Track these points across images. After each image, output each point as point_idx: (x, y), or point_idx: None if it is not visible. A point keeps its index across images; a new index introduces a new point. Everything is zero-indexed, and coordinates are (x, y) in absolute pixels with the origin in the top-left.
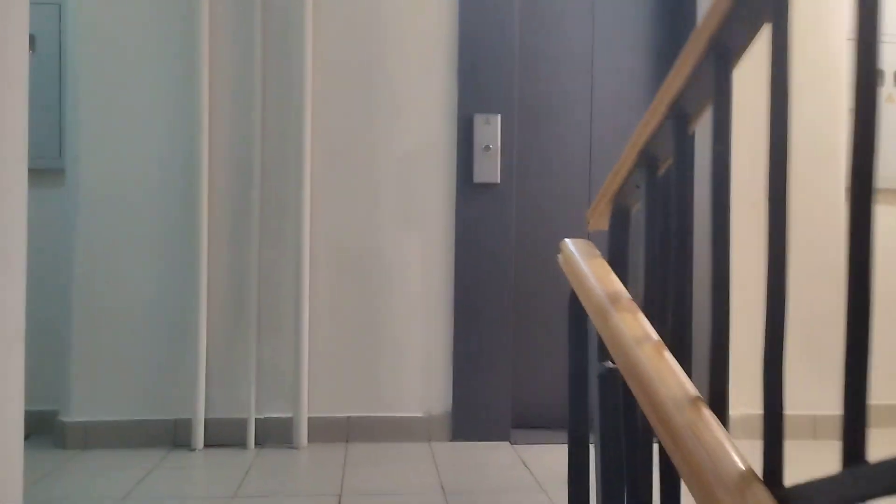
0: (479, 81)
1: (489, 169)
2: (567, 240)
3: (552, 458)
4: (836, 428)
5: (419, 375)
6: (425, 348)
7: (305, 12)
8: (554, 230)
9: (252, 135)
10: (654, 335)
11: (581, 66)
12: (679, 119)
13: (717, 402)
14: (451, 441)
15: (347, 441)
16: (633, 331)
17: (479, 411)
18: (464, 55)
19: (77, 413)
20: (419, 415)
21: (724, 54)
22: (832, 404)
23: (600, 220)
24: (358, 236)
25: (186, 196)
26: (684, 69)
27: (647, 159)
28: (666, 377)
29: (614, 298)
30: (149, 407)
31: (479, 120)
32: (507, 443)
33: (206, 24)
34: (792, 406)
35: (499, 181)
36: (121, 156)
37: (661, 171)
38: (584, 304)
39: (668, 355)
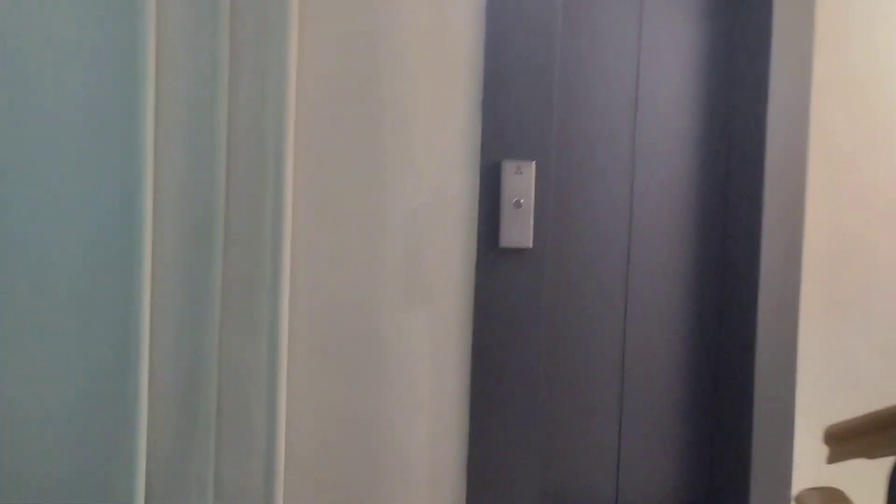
0: (509, 119)
1: (520, 230)
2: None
3: None
4: None
5: (425, 492)
6: (433, 456)
7: (288, 24)
8: (590, 307)
9: (213, 179)
10: None
11: (622, 111)
12: None
13: None
14: None
15: None
16: None
17: None
18: (490, 86)
19: None
20: None
21: None
22: None
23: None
24: (351, 316)
25: (121, 258)
26: None
27: None
28: None
29: None
30: None
31: (508, 168)
32: None
33: (151, 29)
34: None
35: (531, 245)
36: (26, 201)
37: None
38: None
39: None
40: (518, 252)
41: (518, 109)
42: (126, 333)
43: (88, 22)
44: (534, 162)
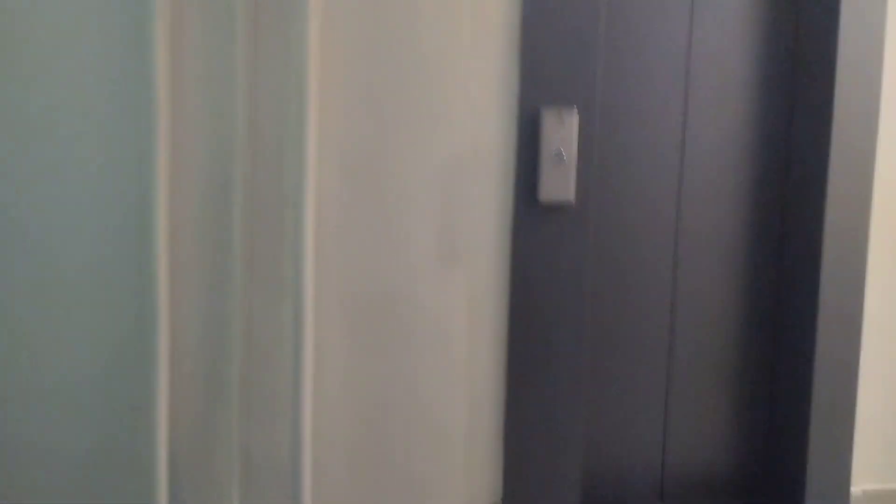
0: (550, 64)
1: (561, 183)
2: None
3: None
4: None
5: (460, 464)
6: (468, 427)
7: None
8: (637, 271)
9: (232, 133)
10: None
11: (675, 53)
12: None
13: None
14: None
15: None
16: None
17: None
18: (529, 25)
19: None
20: None
21: None
22: None
23: None
24: (380, 277)
25: (136, 217)
26: None
27: None
28: None
29: None
30: None
31: (548, 116)
32: None
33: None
34: None
35: (573, 200)
36: (38, 164)
37: None
38: None
39: None
40: (559, 207)
41: (559, 51)
42: (146, 302)
43: (99, 8)
44: (576, 108)
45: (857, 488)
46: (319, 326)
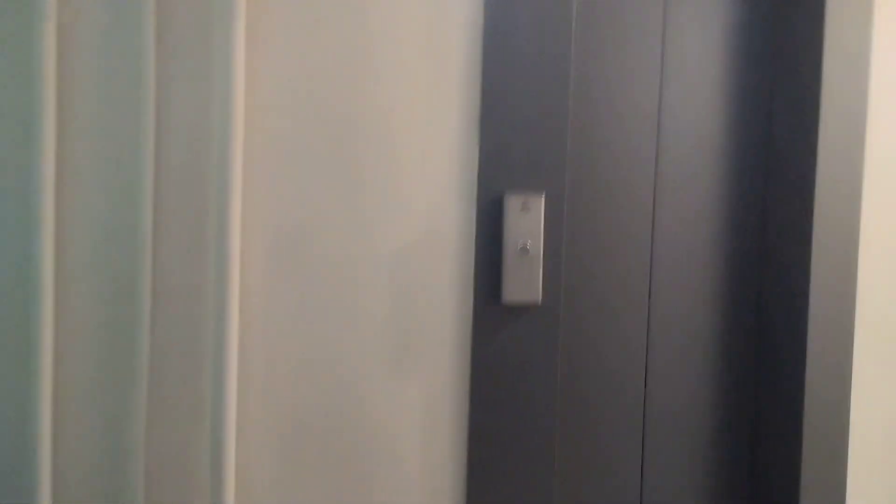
0: (513, 143)
1: (526, 281)
2: None
3: None
4: None
5: None
6: None
7: (234, 16)
8: (611, 378)
9: (136, 218)
10: None
11: (645, 129)
12: None
13: None
14: None
15: None
16: None
17: None
18: (491, 100)
19: None
20: None
21: None
22: None
23: None
24: (322, 386)
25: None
26: None
27: None
28: None
29: None
30: None
31: (512, 203)
32: None
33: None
34: None
35: (540, 301)
36: None
37: None
38: None
39: None
40: (524, 309)
41: (524, 129)
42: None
43: None
44: (543, 195)
45: None
46: (245, 455)
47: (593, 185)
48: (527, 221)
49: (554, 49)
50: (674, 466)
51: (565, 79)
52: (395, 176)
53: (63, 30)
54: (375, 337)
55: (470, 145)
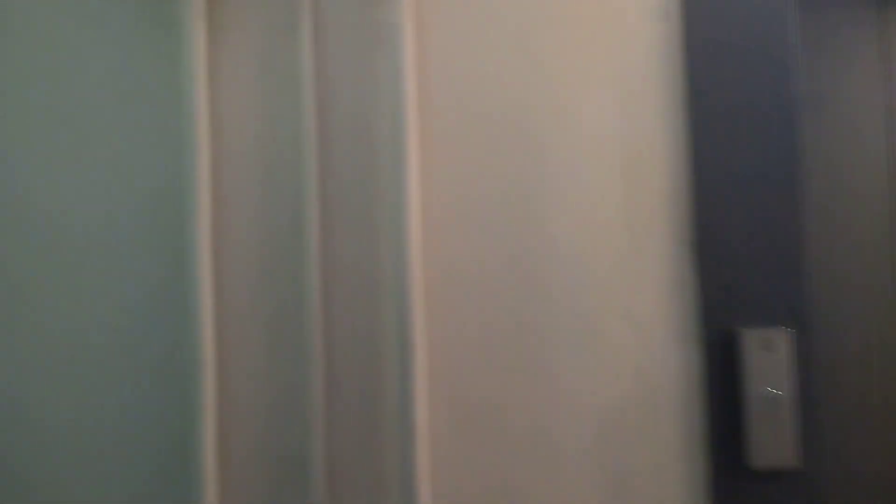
0: (744, 268)
1: (777, 439)
2: None
3: None
4: None
5: None
6: None
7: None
8: None
9: (304, 196)
10: None
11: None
12: None
13: None
14: None
15: None
16: None
17: None
18: (705, 205)
19: None
20: None
21: None
22: None
23: None
24: None
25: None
26: None
27: None
28: None
29: None
30: None
31: (750, 341)
32: None
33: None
34: None
35: (796, 463)
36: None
37: None
38: None
39: None
40: (776, 475)
41: (756, 249)
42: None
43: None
44: (791, 330)
45: None
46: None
47: (847, 312)
48: (771, 363)
49: (786, 128)
50: None
51: (796, 164)
52: (594, 312)
53: (216, 33)
54: None
55: (683, 269)
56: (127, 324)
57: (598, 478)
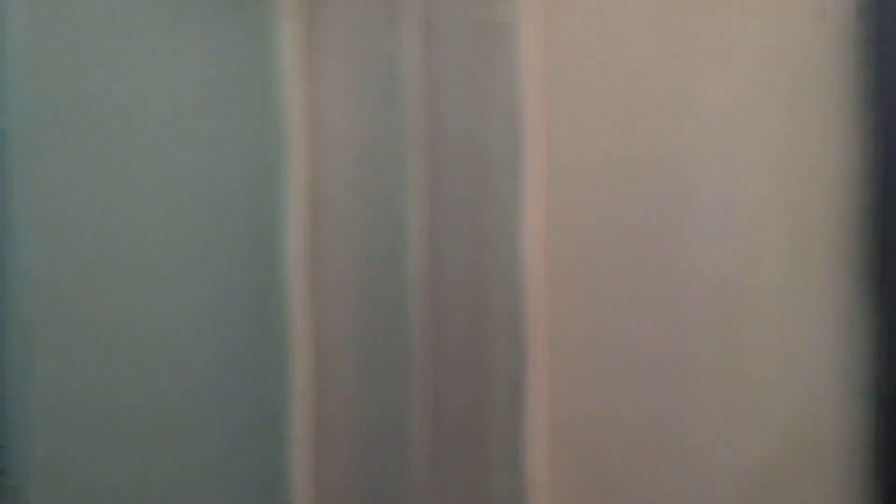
0: None
1: None
2: None
3: None
4: None
5: None
6: None
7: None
8: None
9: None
10: None
11: None
12: None
13: None
14: None
15: None
16: None
17: None
18: (885, 235)
19: None
20: None
21: None
22: None
23: None
24: None
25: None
26: None
27: None
28: None
29: None
30: None
31: None
32: None
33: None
34: None
35: None
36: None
37: None
38: None
39: None
40: None
41: None
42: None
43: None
44: None
45: None
46: None
47: None
48: None
49: None
50: None
51: None
52: (745, 355)
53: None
54: None
55: (857, 305)
56: (221, 332)
57: None
